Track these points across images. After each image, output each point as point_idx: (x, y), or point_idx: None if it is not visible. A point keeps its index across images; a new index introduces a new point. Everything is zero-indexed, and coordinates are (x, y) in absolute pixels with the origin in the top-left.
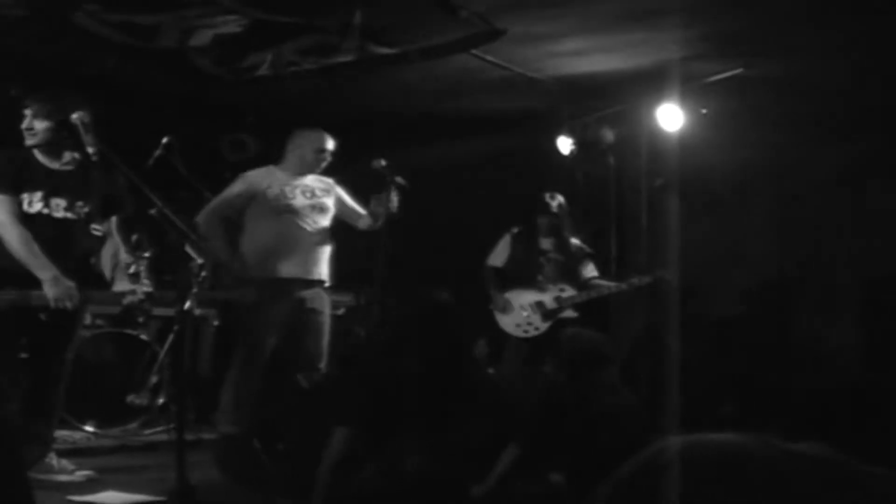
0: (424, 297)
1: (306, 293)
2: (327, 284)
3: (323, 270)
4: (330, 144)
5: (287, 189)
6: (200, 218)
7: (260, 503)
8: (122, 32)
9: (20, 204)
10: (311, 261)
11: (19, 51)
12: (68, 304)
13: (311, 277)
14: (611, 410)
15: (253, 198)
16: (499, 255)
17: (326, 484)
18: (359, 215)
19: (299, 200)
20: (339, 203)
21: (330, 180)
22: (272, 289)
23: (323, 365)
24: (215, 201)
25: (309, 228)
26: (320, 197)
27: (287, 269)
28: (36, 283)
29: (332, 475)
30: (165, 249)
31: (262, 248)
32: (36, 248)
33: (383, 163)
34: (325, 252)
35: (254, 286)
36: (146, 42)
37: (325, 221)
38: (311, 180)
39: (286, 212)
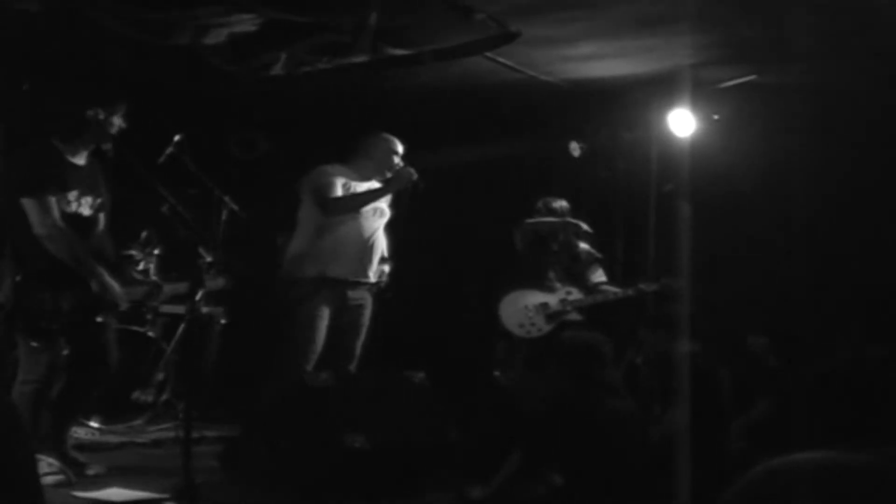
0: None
1: (354, 293)
2: (372, 284)
3: (373, 273)
4: (400, 149)
5: (353, 190)
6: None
7: (262, 501)
8: (136, 29)
9: (65, 204)
10: (363, 263)
11: (33, 46)
12: (123, 306)
13: (360, 279)
14: (609, 412)
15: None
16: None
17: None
18: None
19: None
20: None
21: None
22: (322, 287)
23: (354, 365)
24: (335, 190)
25: (367, 231)
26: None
27: (339, 270)
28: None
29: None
30: (174, 246)
31: (318, 245)
32: (83, 250)
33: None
34: (378, 255)
35: (302, 283)
36: (160, 39)
37: (382, 225)
38: (374, 184)
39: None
